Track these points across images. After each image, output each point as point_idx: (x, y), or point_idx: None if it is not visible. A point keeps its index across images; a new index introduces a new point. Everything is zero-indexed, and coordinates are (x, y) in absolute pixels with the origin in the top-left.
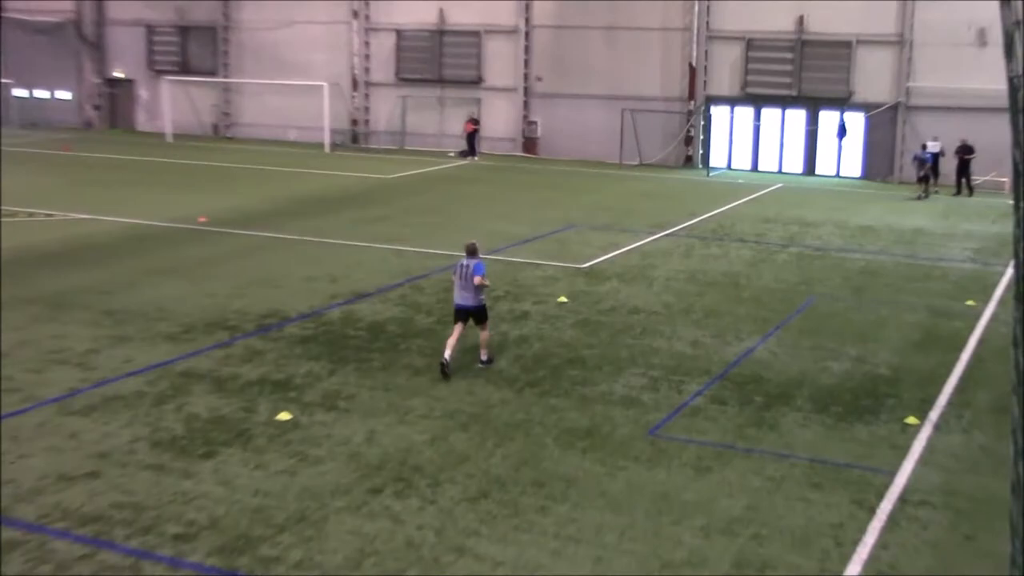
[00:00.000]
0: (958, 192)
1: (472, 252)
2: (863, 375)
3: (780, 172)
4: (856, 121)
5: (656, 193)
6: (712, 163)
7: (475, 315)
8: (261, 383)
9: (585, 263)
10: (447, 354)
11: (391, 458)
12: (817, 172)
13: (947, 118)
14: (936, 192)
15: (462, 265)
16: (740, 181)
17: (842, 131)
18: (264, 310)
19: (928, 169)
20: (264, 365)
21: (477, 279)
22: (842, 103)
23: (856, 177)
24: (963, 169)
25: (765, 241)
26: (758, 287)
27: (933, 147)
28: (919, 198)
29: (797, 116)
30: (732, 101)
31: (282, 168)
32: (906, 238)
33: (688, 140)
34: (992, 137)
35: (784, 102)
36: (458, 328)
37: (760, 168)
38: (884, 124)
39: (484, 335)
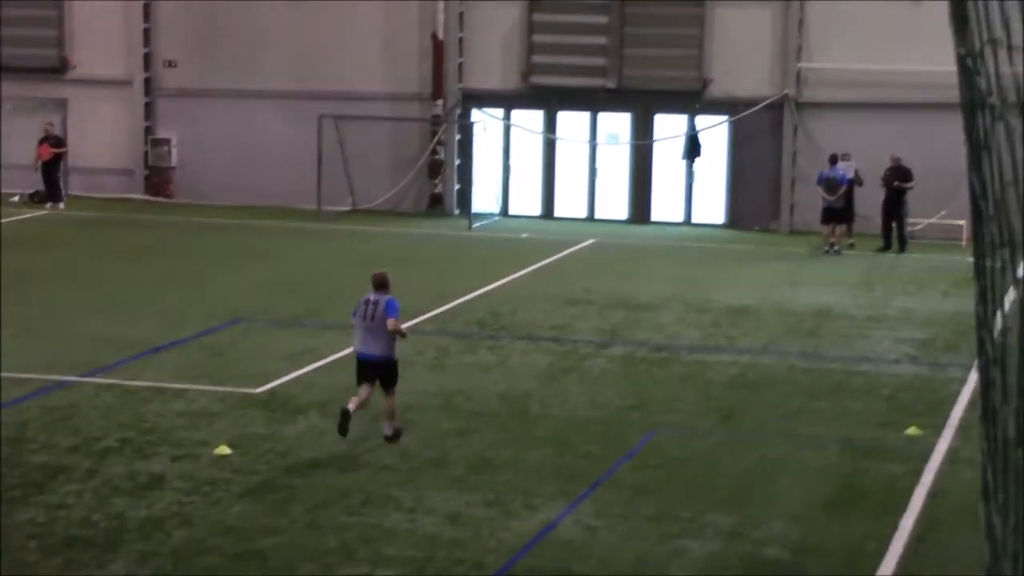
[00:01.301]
0: (887, 245)
1: (382, 284)
2: (742, 560)
3: (591, 219)
4: (716, 132)
5: (383, 259)
6: (476, 206)
7: (383, 373)
8: None
9: (261, 385)
10: (351, 405)
11: None
12: (654, 218)
13: (864, 121)
14: (850, 245)
15: (367, 302)
16: (524, 235)
17: (692, 148)
18: None
19: (839, 200)
20: None
21: (391, 323)
22: (692, 101)
23: (718, 224)
24: (894, 207)
25: (570, 338)
26: (560, 417)
27: (843, 169)
28: (827, 252)
29: (618, 124)
30: (508, 100)
31: None
32: (805, 325)
33: (435, 168)
34: (938, 154)
35: (596, 101)
36: (364, 390)
37: (558, 213)
38: (762, 134)
39: (391, 402)
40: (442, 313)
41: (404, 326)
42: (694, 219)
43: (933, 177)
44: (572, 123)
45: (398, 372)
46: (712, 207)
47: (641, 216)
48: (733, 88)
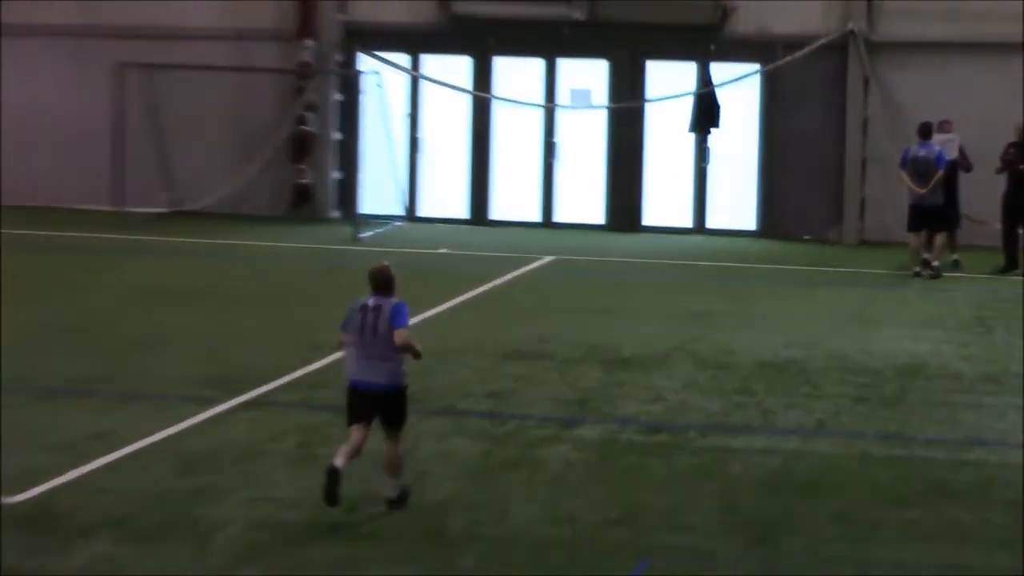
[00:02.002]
0: (1011, 262)
1: (385, 284)
2: None
3: (549, 224)
4: (742, 89)
5: (215, 290)
6: (366, 206)
7: (387, 407)
8: None
9: (20, 492)
10: (339, 460)
11: None
12: (647, 222)
13: (972, 70)
14: (954, 263)
15: (365, 308)
16: (442, 250)
17: (705, 114)
18: None
19: (935, 192)
20: None
21: (400, 335)
22: (705, 40)
23: (747, 232)
24: (1021, 203)
25: (515, 413)
26: (498, 539)
27: (941, 146)
28: (918, 274)
29: (589, 76)
30: (418, 40)
31: None
32: (885, 390)
33: (301, 146)
34: None
35: (555, 42)
36: (358, 433)
37: (496, 215)
38: (814, 92)
39: (396, 450)
40: (311, 375)
41: (253, 393)
42: (709, 224)
43: None
44: (518, 75)
45: (407, 406)
46: (737, 206)
47: (626, 219)
48: (769, 21)
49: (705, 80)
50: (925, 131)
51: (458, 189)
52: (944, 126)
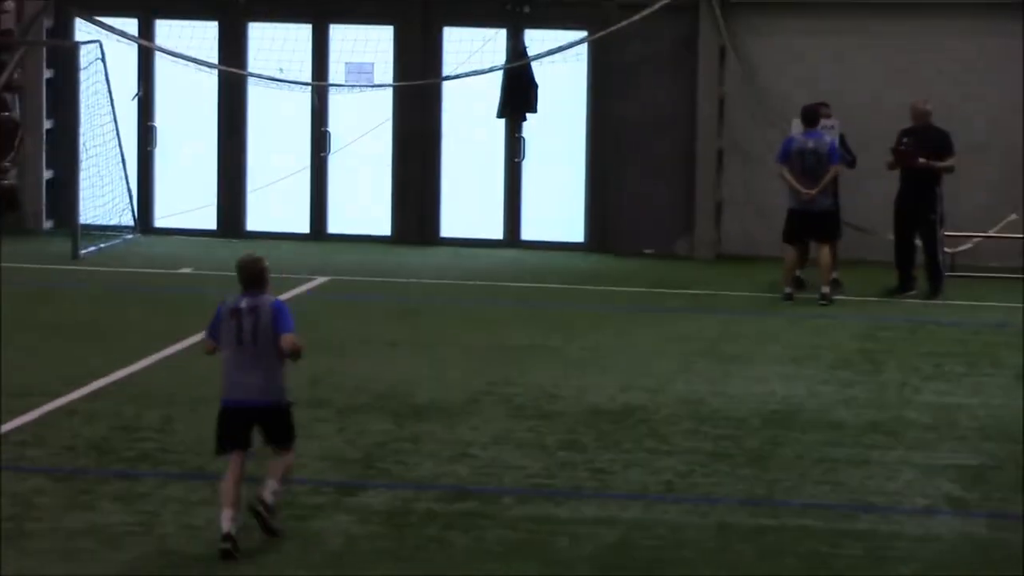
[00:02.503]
0: (905, 283)
1: (257, 279)
2: None
3: (320, 236)
4: (565, 64)
5: None
6: (88, 215)
7: (270, 426)
8: None
9: None
10: (227, 523)
11: None
12: (446, 233)
13: (850, 39)
14: (834, 283)
15: (238, 311)
16: (187, 271)
17: (519, 95)
18: None
19: (824, 193)
20: None
21: (288, 340)
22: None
23: (572, 244)
24: (918, 207)
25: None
26: None
27: (825, 131)
28: (789, 296)
29: (371, 46)
30: (146, 0)
31: None
32: (750, 443)
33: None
34: (999, 100)
35: (326, 4)
36: (237, 459)
37: (253, 226)
38: (658, 65)
39: (283, 462)
40: (18, 431)
41: None
42: (525, 235)
43: (990, 147)
44: (279, 45)
45: (293, 420)
46: (561, 212)
47: (419, 230)
48: None
49: (518, 52)
50: (811, 117)
51: (204, 192)
52: (821, 109)
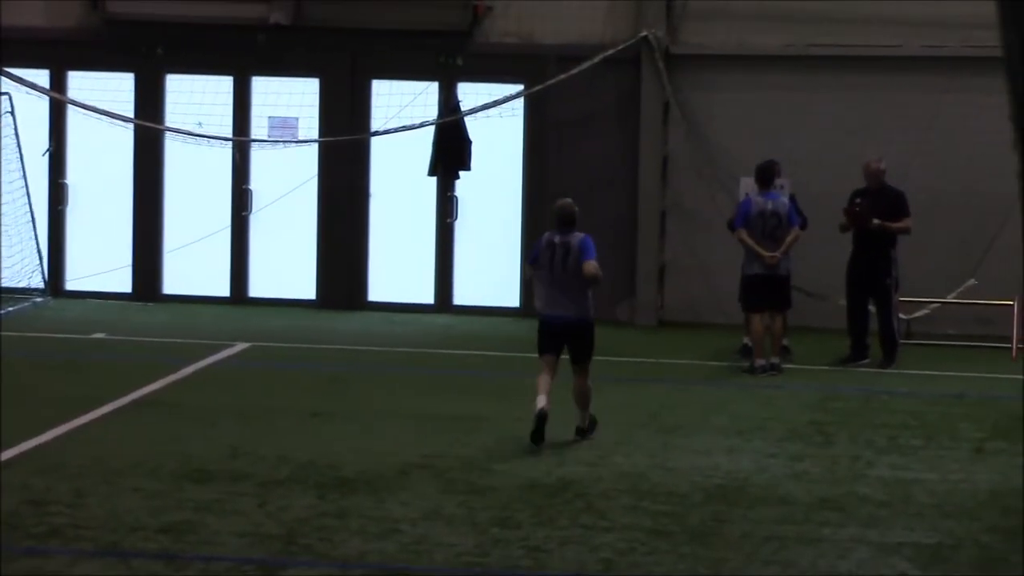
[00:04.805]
0: (858, 352)
1: (571, 219)
2: None
3: (241, 299)
4: (503, 120)
5: None
6: None
7: (575, 339)
8: None
9: None
10: (542, 403)
11: None
12: (372, 297)
13: (802, 97)
14: (784, 351)
15: (553, 245)
16: (99, 335)
17: (451, 151)
18: None
19: (786, 260)
20: None
21: (589, 266)
22: (450, 50)
23: (508, 308)
24: (872, 272)
25: (198, 553)
26: None
27: (776, 191)
28: (770, 367)
29: (296, 99)
30: (59, 50)
31: None
32: (692, 519)
33: None
34: (957, 160)
35: (248, 54)
36: (551, 360)
37: (171, 287)
38: (597, 120)
39: (583, 383)
40: None
41: None
42: (458, 299)
43: (947, 209)
44: (199, 97)
45: (595, 339)
46: (494, 277)
47: (346, 294)
48: (536, 26)
49: (451, 106)
50: (767, 176)
51: (119, 252)
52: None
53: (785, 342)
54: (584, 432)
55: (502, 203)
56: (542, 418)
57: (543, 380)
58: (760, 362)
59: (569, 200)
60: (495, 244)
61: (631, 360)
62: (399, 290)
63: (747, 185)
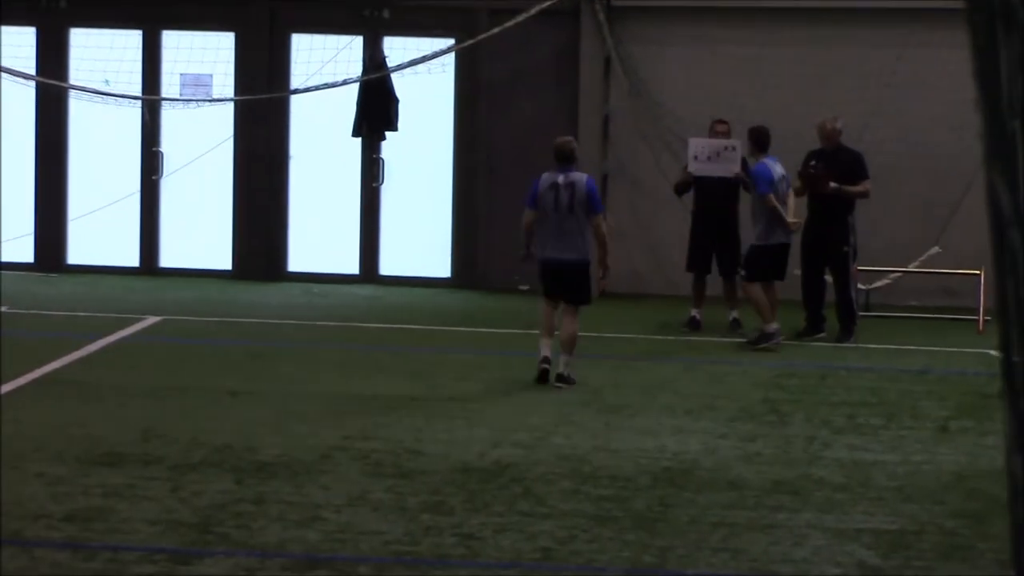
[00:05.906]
0: (814, 324)
1: (570, 156)
2: None
3: (152, 269)
4: (429, 77)
5: None
6: None
7: (573, 281)
8: None
9: None
10: (546, 349)
11: None
12: (291, 267)
13: (754, 53)
14: (734, 323)
15: (555, 185)
16: (2, 309)
17: (376, 114)
18: None
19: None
20: None
21: (598, 222)
22: (372, 4)
23: (438, 279)
24: (827, 239)
25: (107, 542)
26: None
27: (721, 155)
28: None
29: (210, 56)
30: None
31: None
32: (637, 504)
33: None
34: (920, 120)
35: (155, 5)
36: (549, 310)
37: (76, 257)
38: (534, 80)
39: (572, 326)
40: None
41: None
42: (385, 269)
43: (908, 172)
44: (101, 53)
45: (590, 287)
46: (423, 245)
47: (263, 264)
48: None
49: (376, 62)
50: (765, 139)
51: (20, 220)
52: (717, 127)
53: (735, 314)
54: (566, 379)
55: (431, 166)
56: (545, 371)
57: (546, 323)
58: (773, 326)
59: (569, 137)
60: (424, 210)
61: None
62: (321, 259)
63: (696, 146)
